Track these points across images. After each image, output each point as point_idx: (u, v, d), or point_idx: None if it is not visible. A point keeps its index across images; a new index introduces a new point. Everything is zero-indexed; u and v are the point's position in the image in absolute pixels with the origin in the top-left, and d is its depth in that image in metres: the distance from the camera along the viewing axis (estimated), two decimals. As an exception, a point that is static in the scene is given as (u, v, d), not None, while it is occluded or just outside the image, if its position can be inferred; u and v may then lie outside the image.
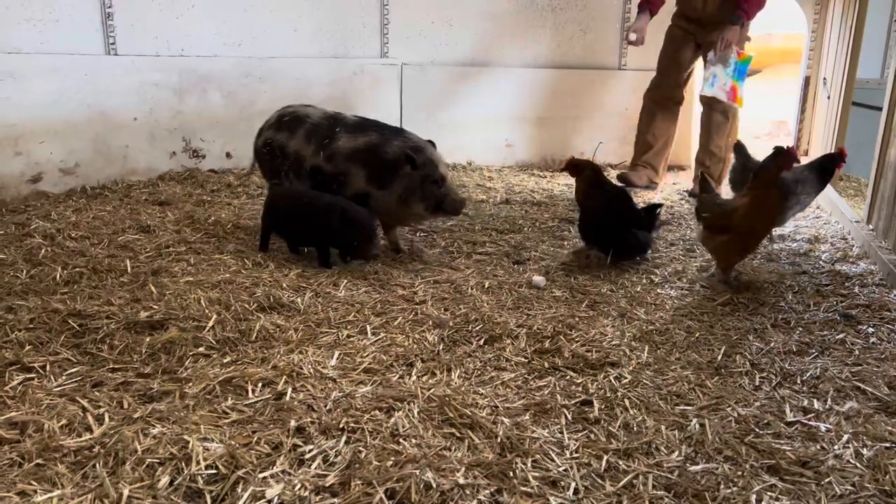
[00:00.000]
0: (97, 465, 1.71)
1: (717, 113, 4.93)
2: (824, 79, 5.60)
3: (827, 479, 1.77)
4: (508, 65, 5.96)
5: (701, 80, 5.00)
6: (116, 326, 2.48)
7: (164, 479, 1.67)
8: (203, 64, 5.03)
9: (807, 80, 6.01)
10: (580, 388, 2.22)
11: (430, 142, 3.44)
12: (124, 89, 4.72)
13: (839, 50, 5.19)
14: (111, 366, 2.23)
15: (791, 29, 8.28)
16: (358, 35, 5.60)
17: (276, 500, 1.63)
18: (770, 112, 8.67)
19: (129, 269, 3.06)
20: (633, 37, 5.03)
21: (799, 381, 2.30)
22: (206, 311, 2.63)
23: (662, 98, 5.11)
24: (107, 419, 1.92)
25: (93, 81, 4.57)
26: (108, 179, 4.66)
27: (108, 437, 1.82)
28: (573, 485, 1.73)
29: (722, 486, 1.74)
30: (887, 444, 1.93)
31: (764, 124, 8.40)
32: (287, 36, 5.35)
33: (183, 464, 1.73)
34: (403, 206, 3.31)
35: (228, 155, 5.21)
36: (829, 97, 5.37)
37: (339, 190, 3.36)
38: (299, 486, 1.68)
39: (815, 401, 2.17)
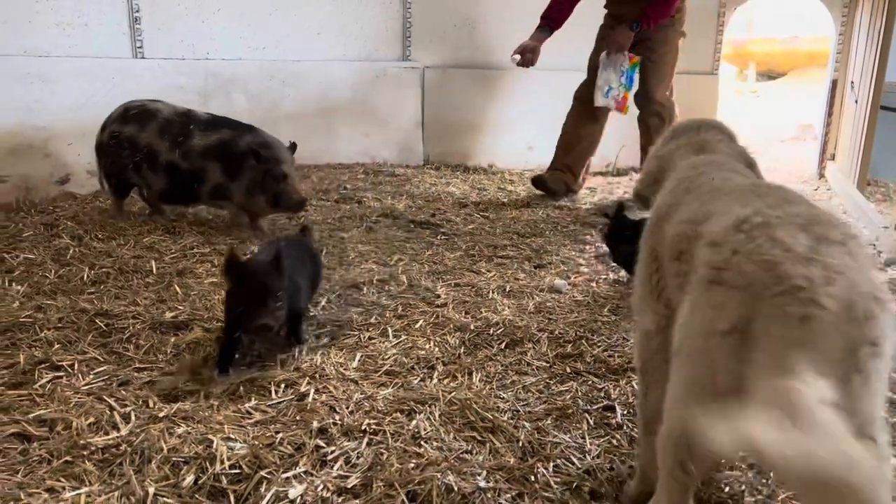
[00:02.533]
0: (124, 463, 1.74)
1: (651, 116, 4.71)
2: (852, 82, 5.52)
3: None
4: (527, 70, 5.94)
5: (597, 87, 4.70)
6: (142, 326, 2.52)
7: (189, 478, 1.69)
8: (228, 67, 5.09)
9: (834, 84, 5.93)
10: (602, 394, 2.21)
11: (293, 144, 3.69)
12: (150, 92, 4.75)
13: (867, 53, 5.11)
14: (137, 365, 2.26)
15: (817, 31, 8.18)
16: (380, 38, 5.63)
17: (298, 501, 1.64)
18: (796, 115, 8.59)
19: (154, 269, 3.10)
20: (517, 58, 4.66)
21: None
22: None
23: (590, 98, 4.80)
24: (133, 418, 1.94)
25: (120, 84, 4.64)
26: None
27: (135, 436, 1.85)
28: (595, 489, 1.73)
29: (747, 495, 1.72)
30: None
31: (789, 128, 8.32)
32: (310, 39, 5.40)
33: (207, 463, 1.75)
34: (248, 197, 3.62)
35: (252, 157, 5.26)
36: (856, 101, 5.29)
37: (198, 185, 3.67)
38: (321, 486, 1.69)
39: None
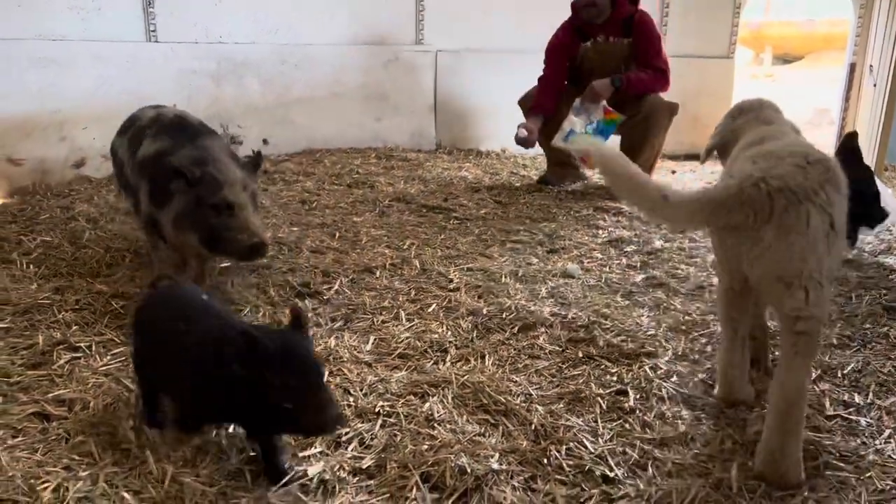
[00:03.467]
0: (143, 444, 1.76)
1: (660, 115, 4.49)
2: (871, 66, 5.44)
3: (868, 475, 1.74)
4: (544, 50, 5.90)
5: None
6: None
7: (207, 461, 1.71)
8: (241, 51, 5.09)
9: (852, 67, 5.84)
10: (615, 378, 2.21)
11: (255, 154, 2.76)
12: (164, 76, 4.80)
13: (887, 36, 5.03)
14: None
15: (835, 14, 8.06)
16: (393, 22, 5.60)
17: (316, 479, 1.66)
18: (812, 100, 8.49)
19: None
20: (522, 132, 4.51)
21: (840, 375, 2.25)
22: (245, 295, 2.68)
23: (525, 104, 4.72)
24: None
25: (134, 68, 4.66)
26: (148, 165, 4.75)
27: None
28: (607, 473, 1.73)
29: (759, 479, 1.73)
30: (931, 441, 1.88)
31: (806, 112, 8.22)
32: (323, 23, 5.38)
33: (225, 442, 1.77)
34: (177, 232, 2.57)
35: (265, 141, 5.27)
36: (875, 85, 5.22)
37: (136, 211, 2.83)
38: (337, 466, 1.71)
39: (856, 395, 2.13)
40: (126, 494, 1.58)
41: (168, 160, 2.55)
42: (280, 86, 5.24)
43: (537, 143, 4.74)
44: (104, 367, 2.13)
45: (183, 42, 4.89)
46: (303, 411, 1.49)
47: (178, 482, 1.62)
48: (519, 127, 4.57)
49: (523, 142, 4.55)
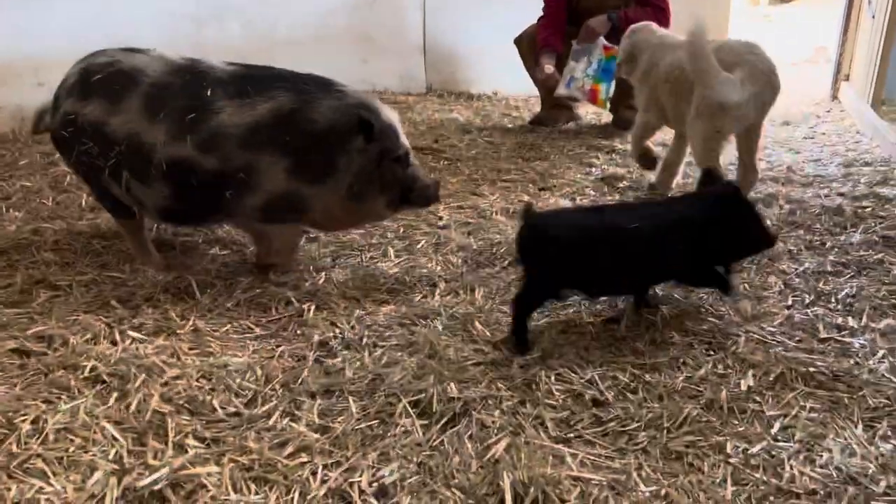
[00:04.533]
0: (130, 375, 1.73)
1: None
2: (869, -2, 5.30)
3: (861, 393, 1.73)
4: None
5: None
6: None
7: (201, 396, 1.68)
8: (220, -8, 4.92)
9: (850, 1, 5.69)
10: (605, 307, 2.18)
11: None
12: (142, 19, 4.63)
13: (887, -35, 4.88)
14: (129, 287, 2.23)
15: (835, -51, 7.82)
16: (378, -43, 5.41)
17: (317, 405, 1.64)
18: (810, 39, 8.32)
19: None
20: (549, 69, 4.28)
21: (833, 300, 2.22)
22: (232, 232, 2.62)
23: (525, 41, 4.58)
24: (133, 335, 1.93)
25: (110, 10, 4.49)
26: (130, 111, 4.63)
27: (131, 355, 1.84)
28: (598, 397, 1.71)
29: (755, 396, 1.71)
30: (925, 360, 1.87)
31: (803, 51, 8.06)
32: (306, -39, 5.19)
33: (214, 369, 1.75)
34: (354, 202, 2.18)
35: (249, 86, 5.13)
36: (874, 16, 5.09)
37: (237, 198, 2.14)
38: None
39: (849, 318, 2.10)
40: (107, 424, 1.55)
41: (315, 117, 2.10)
42: (263, 28, 5.07)
43: (532, 82, 4.63)
44: (84, 305, 2.09)
45: (161, -18, 4.72)
46: None
47: (160, 413, 1.60)
48: (538, 67, 4.39)
49: (545, 82, 4.38)
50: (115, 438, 1.53)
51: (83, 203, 2.97)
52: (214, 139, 2.07)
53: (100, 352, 1.83)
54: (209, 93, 2.09)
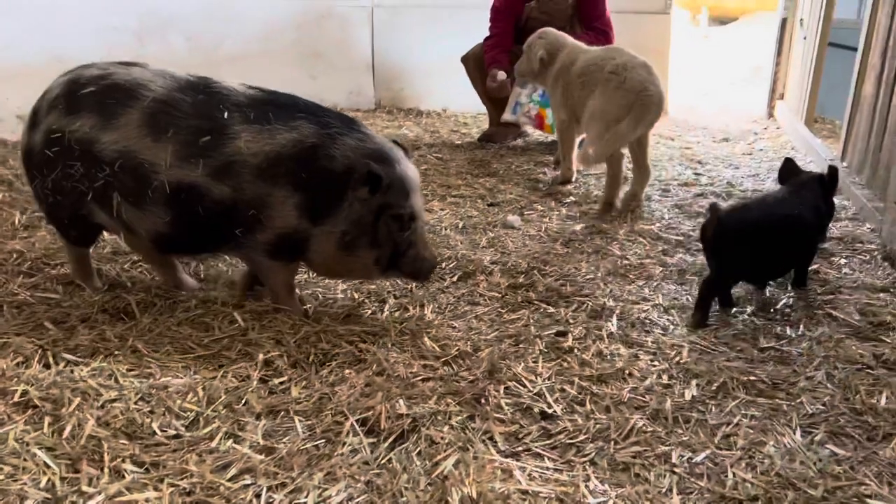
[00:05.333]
0: (64, 399, 1.65)
1: None
2: (801, 19, 5.54)
3: (799, 400, 1.78)
4: (484, 6, 5.80)
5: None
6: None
7: (141, 419, 1.62)
8: (164, 6, 4.84)
9: (783, 22, 5.93)
10: (554, 320, 2.20)
11: (395, 143, 2.13)
12: (81, 32, 4.53)
13: (816, -11, 5.11)
14: (66, 307, 2.15)
15: (768, -26, 8.18)
16: (325, -24, 5.41)
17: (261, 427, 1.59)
18: (747, 59, 8.63)
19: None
20: (501, 76, 4.29)
21: (772, 311, 2.29)
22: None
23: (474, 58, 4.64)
24: (68, 358, 1.85)
25: (46, 24, 4.37)
26: (68, 127, 4.49)
27: (66, 379, 1.76)
28: (546, 410, 1.71)
29: (699, 406, 1.74)
30: (858, 366, 1.93)
31: (741, 70, 8.36)
32: (252, -24, 5.16)
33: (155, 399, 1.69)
34: (344, 251, 2.05)
35: (194, 102, 5.05)
36: (805, 38, 5.32)
37: (246, 232, 2.01)
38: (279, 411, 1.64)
39: (787, 328, 2.16)
40: (38, 451, 1.48)
41: (351, 160, 1.97)
42: (208, 43, 5.01)
43: (480, 100, 4.68)
44: (16, 327, 2.00)
45: (101, -4, 4.62)
46: None
47: (95, 437, 1.53)
48: (489, 76, 4.39)
49: (498, 89, 4.40)
50: (47, 466, 1.46)
51: (16, 221, 2.86)
52: (229, 166, 1.93)
53: (31, 375, 1.75)
54: (226, 115, 1.94)
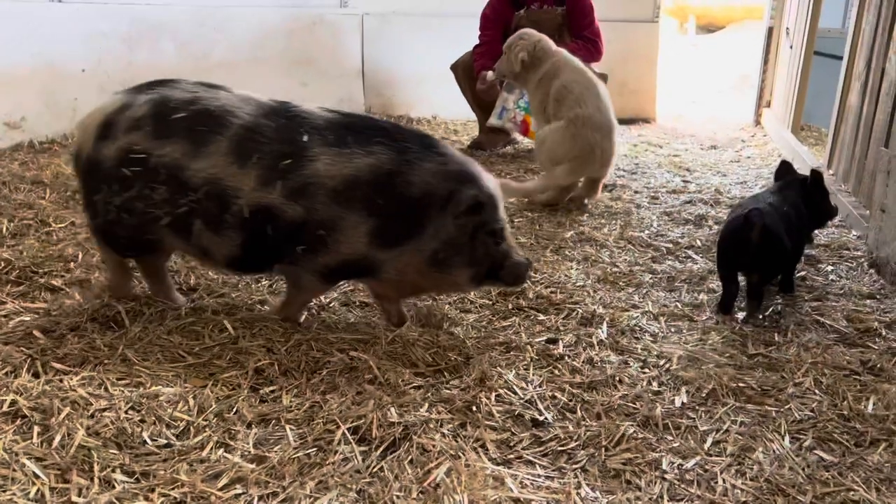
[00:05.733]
0: (53, 409, 1.64)
1: None
2: (787, 29, 5.61)
3: (787, 406, 1.79)
4: (473, 15, 5.83)
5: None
6: (68, 277, 2.39)
7: (131, 428, 1.62)
8: (154, 12, 4.82)
9: (770, 31, 6.00)
10: (545, 327, 2.20)
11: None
12: (71, 38, 4.51)
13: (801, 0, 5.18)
14: (53, 317, 2.14)
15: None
16: (316, -17, 5.43)
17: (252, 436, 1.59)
18: (734, 67, 8.72)
19: (78, 220, 2.95)
20: (490, 75, 4.25)
21: (761, 317, 2.31)
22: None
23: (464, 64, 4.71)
24: (57, 367, 1.84)
25: (37, 30, 4.34)
26: (56, 134, 4.47)
27: (56, 388, 1.75)
28: (537, 417, 1.72)
29: (688, 412, 1.75)
30: (845, 373, 1.95)
31: (728, 79, 8.44)
32: (243, -17, 5.16)
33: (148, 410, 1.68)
34: (437, 270, 2.00)
35: (184, 109, 5.04)
36: (791, 47, 5.38)
37: (309, 252, 1.97)
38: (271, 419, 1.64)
39: (776, 335, 2.18)
40: (27, 461, 1.47)
41: (431, 185, 1.93)
42: (199, 50, 5.00)
43: (469, 108, 4.71)
44: (4, 336, 1.99)
45: (90, 2, 4.60)
46: None
47: (85, 447, 1.52)
48: (479, 78, 4.41)
49: (487, 91, 4.41)
50: (36, 476, 1.44)
51: (3, 230, 2.84)
52: (305, 187, 1.90)
53: (20, 385, 1.73)
54: (305, 138, 1.93)
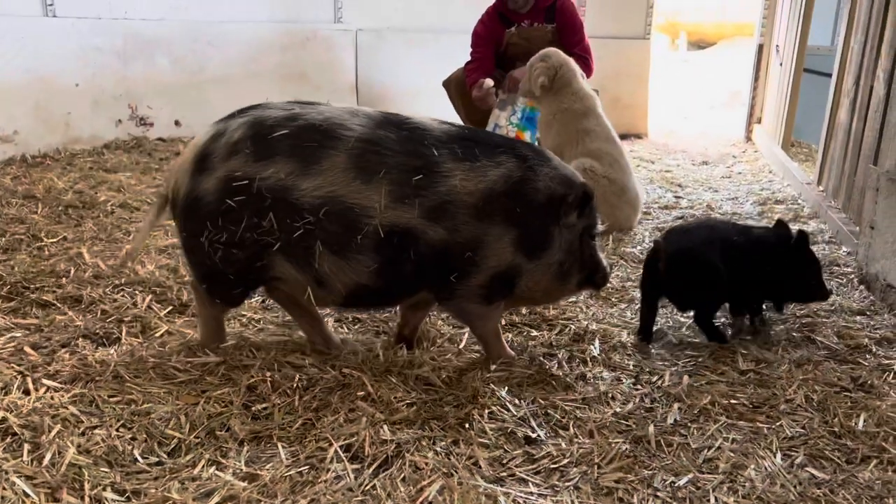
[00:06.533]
0: (44, 426, 1.63)
1: None
2: (777, 46, 5.67)
3: (779, 423, 1.80)
4: (465, 31, 5.87)
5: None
6: (60, 292, 2.38)
7: (125, 446, 1.61)
8: (149, 27, 4.84)
9: (760, 48, 6.07)
10: (538, 343, 2.21)
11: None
12: (65, 53, 4.52)
13: (791, 17, 5.25)
14: (45, 333, 2.13)
15: (745, 3, 8.37)
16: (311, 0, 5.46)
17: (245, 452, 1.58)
18: (725, 83, 8.81)
19: (70, 235, 2.95)
20: (489, 83, 4.31)
21: (750, 337, 2.32)
22: (157, 275, 2.54)
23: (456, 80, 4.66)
24: (48, 384, 1.83)
25: (31, 45, 4.35)
26: (49, 148, 4.46)
27: (47, 405, 1.74)
28: (530, 434, 1.72)
29: (680, 429, 1.75)
30: (836, 389, 1.96)
31: (720, 95, 8.53)
32: (237, -1, 5.19)
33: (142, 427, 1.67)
34: (559, 280, 1.99)
35: (177, 123, 5.04)
36: (781, 64, 5.44)
37: (462, 279, 1.90)
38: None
39: (765, 352, 2.19)
40: (17, 480, 1.46)
41: (553, 189, 1.90)
42: (193, 64, 5.02)
43: (462, 123, 4.71)
44: (-5, 352, 1.98)
45: (84, 17, 4.61)
46: None
47: (76, 465, 1.51)
48: (476, 85, 4.39)
49: (484, 98, 4.39)
50: (26, 494, 1.43)
51: (-4, 244, 2.83)
52: (445, 206, 1.81)
53: (11, 402, 1.72)
54: (435, 152, 1.83)
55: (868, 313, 2.47)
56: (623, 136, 5.90)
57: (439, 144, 1.85)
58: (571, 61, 3.70)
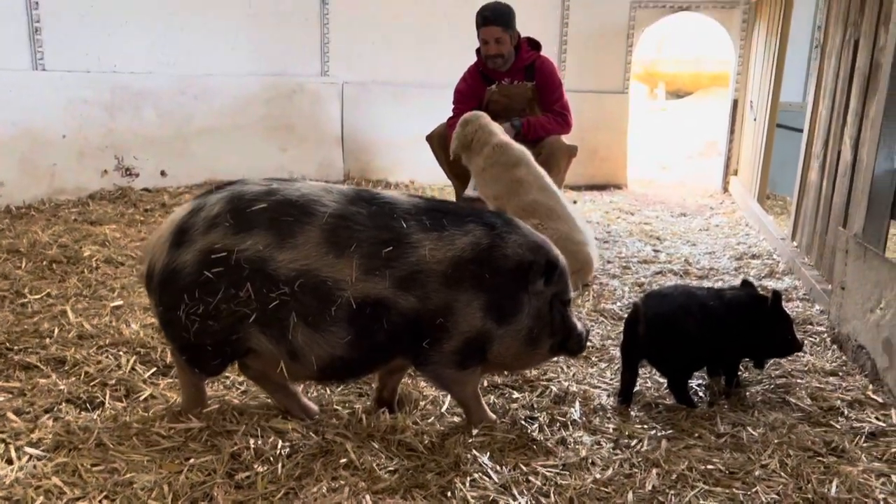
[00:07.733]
0: (27, 499, 1.63)
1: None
2: (751, 102, 5.86)
3: (754, 489, 1.83)
4: (448, 85, 6.02)
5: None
6: (44, 353, 2.39)
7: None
8: (136, 81, 4.93)
9: (735, 103, 6.27)
10: (520, 405, 2.24)
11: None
12: (52, 106, 4.58)
13: (764, 74, 5.44)
14: (27, 398, 2.13)
15: (721, 54, 8.65)
16: (297, 54, 5.58)
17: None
18: (702, 133, 9.03)
19: (54, 291, 2.95)
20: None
21: (724, 399, 2.37)
22: (141, 335, 2.56)
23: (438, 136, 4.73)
24: (31, 452, 1.83)
25: (19, 97, 4.42)
26: (34, 199, 4.49)
27: (30, 475, 1.74)
28: (511, 502, 1.74)
29: (659, 496, 1.78)
30: (810, 454, 2.00)
31: (697, 145, 8.73)
32: (224, 54, 5.30)
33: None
34: (529, 347, 2.04)
35: (163, 173, 5.10)
36: (755, 119, 5.61)
37: (435, 345, 1.95)
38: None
39: (742, 414, 2.24)
40: None
41: (521, 256, 1.97)
42: (179, 116, 5.10)
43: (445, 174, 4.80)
44: (-23, 419, 1.97)
45: (73, 71, 4.69)
46: None
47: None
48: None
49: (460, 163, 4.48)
50: (5, 572, 1.43)
51: (-20, 300, 2.83)
52: (415, 276, 1.89)
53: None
54: (404, 224, 1.91)
55: (840, 374, 2.53)
56: (603, 187, 6.08)
57: (408, 217, 1.93)
58: (490, 123, 3.83)
